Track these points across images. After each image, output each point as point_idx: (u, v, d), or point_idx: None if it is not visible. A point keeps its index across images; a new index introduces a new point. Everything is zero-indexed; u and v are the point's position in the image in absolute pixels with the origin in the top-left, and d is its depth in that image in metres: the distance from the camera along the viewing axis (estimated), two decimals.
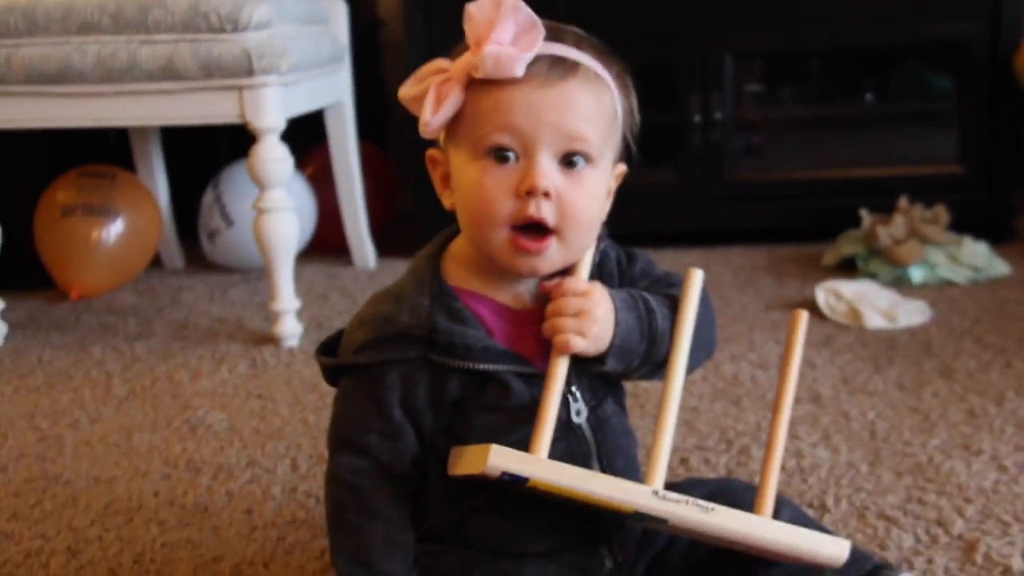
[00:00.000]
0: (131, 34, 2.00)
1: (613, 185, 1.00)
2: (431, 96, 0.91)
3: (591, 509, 0.94)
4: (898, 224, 2.33)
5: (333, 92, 2.45)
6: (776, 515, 0.98)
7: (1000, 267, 2.31)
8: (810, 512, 1.30)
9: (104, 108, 2.04)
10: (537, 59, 0.91)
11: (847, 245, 2.41)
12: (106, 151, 2.64)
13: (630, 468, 1.03)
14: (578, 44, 0.95)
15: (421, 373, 0.94)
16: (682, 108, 2.62)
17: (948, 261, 2.29)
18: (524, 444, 0.92)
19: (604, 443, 1.00)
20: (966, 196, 2.56)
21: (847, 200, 2.54)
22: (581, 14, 2.56)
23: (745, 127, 2.75)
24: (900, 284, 2.25)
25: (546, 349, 0.95)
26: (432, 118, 0.91)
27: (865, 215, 2.43)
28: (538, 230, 0.92)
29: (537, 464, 0.90)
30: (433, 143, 0.99)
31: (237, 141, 2.09)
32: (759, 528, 0.95)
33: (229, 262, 2.66)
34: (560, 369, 0.94)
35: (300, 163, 2.69)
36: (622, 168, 1.01)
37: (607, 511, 0.94)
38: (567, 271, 0.98)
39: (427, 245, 1.01)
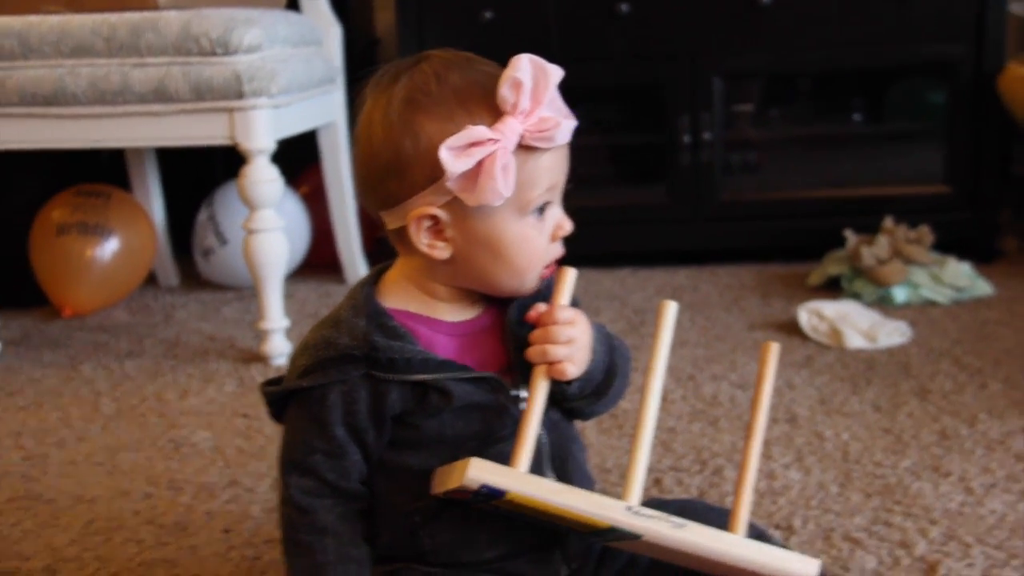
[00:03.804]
0: (123, 57, 2.03)
1: None
2: (499, 168, 0.92)
3: (560, 526, 0.97)
4: (882, 244, 2.35)
5: (326, 113, 2.48)
6: None
7: (983, 288, 2.32)
8: (777, 533, 1.32)
9: (96, 130, 2.08)
10: None
11: (832, 265, 2.43)
12: (103, 170, 2.67)
13: (579, 474, 1.05)
14: None
15: (361, 391, 0.97)
16: (671, 129, 2.64)
17: (931, 281, 2.31)
18: (474, 436, 0.98)
19: (557, 446, 1.03)
20: (951, 216, 2.58)
21: (835, 220, 2.56)
22: (572, 35, 2.62)
23: (734, 147, 2.77)
24: (883, 304, 2.27)
25: (484, 356, 1.01)
26: (506, 189, 0.93)
27: (850, 235, 2.45)
28: None
29: (515, 477, 0.92)
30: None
31: (233, 160, 2.12)
32: (730, 545, 0.97)
33: (223, 280, 2.69)
34: (543, 392, 0.97)
35: (294, 182, 2.73)
36: None
37: (579, 529, 0.97)
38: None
39: (363, 276, 1.05)
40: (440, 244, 0.98)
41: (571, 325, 0.98)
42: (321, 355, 0.98)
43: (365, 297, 1.00)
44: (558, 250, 1.01)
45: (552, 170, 0.97)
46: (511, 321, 1.03)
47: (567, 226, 1.00)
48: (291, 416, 1.01)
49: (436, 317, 1.01)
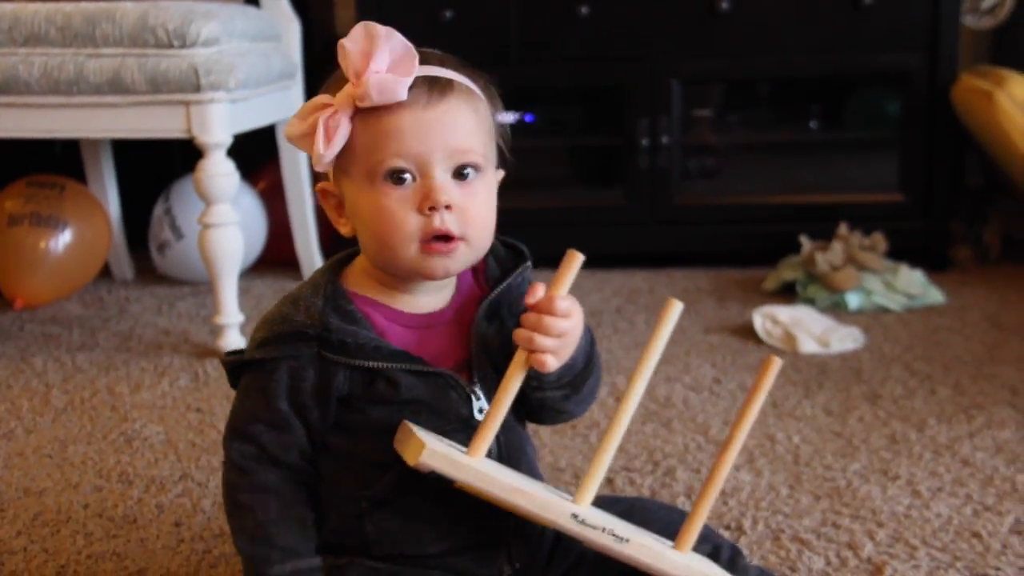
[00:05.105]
0: (78, 47, 2.01)
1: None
2: (321, 131, 0.96)
3: (502, 511, 0.98)
4: (836, 251, 2.37)
5: (284, 108, 2.46)
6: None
7: (935, 295, 2.35)
8: (726, 534, 1.33)
9: (50, 120, 2.05)
10: (415, 82, 0.96)
11: (787, 270, 2.45)
12: (57, 161, 2.64)
13: (530, 475, 1.05)
14: (443, 63, 1.01)
15: (309, 369, 0.98)
16: (630, 132, 2.65)
17: (884, 288, 2.33)
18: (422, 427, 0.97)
19: (508, 446, 1.04)
20: (905, 224, 2.61)
21: (790, 225, 2.58)
22: (532, 36, 2.62)
23: (692, 151, 2.79)
24: (837, 310, 2.29)
25: (440, 350, 1.01)
26: (325, 152, 0.96)
27: (805, 241, 2.47)
28: (444, 239, 0.97)
29: (466, 471, 0.93)
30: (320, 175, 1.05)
31: (192, 154, 2.10)
32: (668, 564, 0.98)
33: (179, 274, 2.67)
34: (518, 379, 0.96)
35: (252, 178, 2.71)
36: (501, 173, 1.06)
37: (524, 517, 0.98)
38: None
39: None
40: (342, 221, 1.02)
41: (566, 318, 0.97)
42: (276, 330, 0.99)
43: (327, 278, 1.02)
44: (437, 225, 0.96)
45: (404, 134, 0.96)
46: (479, 318, 1.03)
47: (438, 197, 0.96)
48: (242, 386, 1.02)
49: (394, 307, 1.02)
